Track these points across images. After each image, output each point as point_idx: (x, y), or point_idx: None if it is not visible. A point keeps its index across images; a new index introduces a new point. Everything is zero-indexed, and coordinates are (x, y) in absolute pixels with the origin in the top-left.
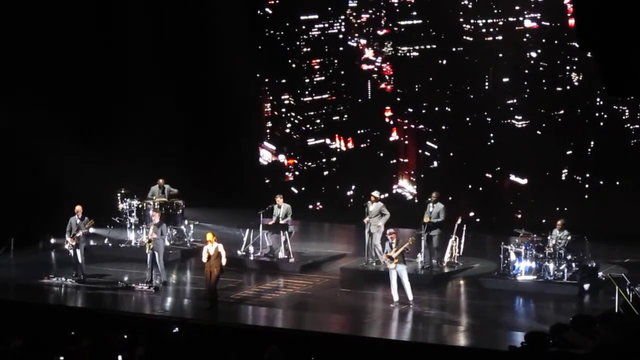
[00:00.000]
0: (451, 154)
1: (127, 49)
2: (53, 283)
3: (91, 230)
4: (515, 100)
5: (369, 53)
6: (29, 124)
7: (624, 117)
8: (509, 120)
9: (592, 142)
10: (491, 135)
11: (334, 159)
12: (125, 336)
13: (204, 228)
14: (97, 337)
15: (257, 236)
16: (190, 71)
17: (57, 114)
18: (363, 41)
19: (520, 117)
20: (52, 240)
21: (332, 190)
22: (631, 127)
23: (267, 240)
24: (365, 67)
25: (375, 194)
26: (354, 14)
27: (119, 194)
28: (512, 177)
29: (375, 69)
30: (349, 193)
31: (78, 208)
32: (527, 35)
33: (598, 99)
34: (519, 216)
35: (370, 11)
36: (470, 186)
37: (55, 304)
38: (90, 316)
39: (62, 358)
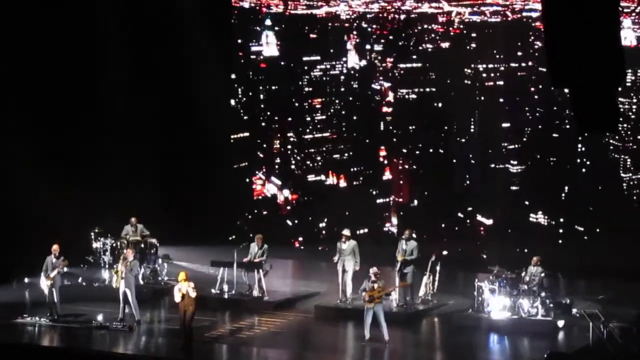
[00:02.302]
0: (426, 193)
1: (104, 81)
2: (27, 322)
3: (65, 269)
4: (514, 146)
5: (391, 96)
6: (3, 161)
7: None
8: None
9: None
10: (467, 177)
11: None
12: None
13: (177, 267)
14: None
15: (232, 274)
16: (168, 104)
17: (32, 152)
18: (387, 84)
19: (515, 162)
20: (26, 280)
21: (314, 225)
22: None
23: (244, 279)
24: (385, 109)
25: (346, 232)
26: (379, 57)
27: (92, 233)
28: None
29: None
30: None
31: (55, 247)
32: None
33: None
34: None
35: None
36: (443, 225)
37: (29, 342)
38: (65, 356)
39: None
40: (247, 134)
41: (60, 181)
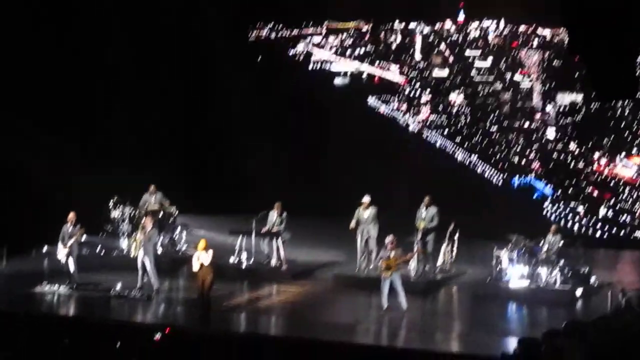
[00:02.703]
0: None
1: (119, 57)
2: (46, 291)
3: (83, 238)
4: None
5: None
6: (21, 133)
7: None
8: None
9: None
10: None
11: None
12: (118, 344)
13: (196, 236)
14: (89, 345)
15: (251, 243)
16: (185, 76)
17: (48, 122)
18: None
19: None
20: (45, 249)
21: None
22: None
23: (263, 247)
24: None
25: (366, 199)
26: None
27: (111, 202)
28: None
29: None
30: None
31: (70, 216)
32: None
33: None
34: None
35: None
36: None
37: (48, 312)
38: (83, 324)
39: None
40: None
41: (78, 150)
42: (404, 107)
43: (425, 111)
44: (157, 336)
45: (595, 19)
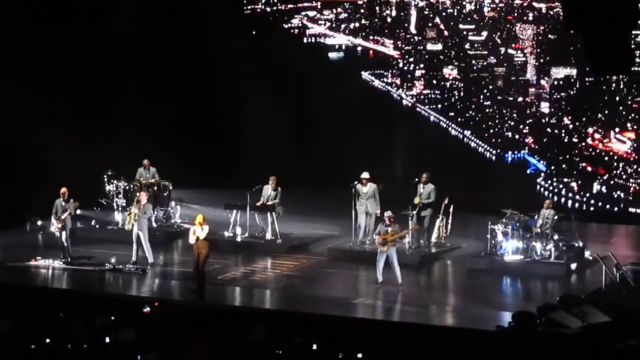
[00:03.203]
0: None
1: (116, 33)
2: (40, 265)
3: (78, 212)
4: None
5: None
6: (13, 106)
7: None
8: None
9: None
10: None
11: None
12: (112, 318)
13: (190, 209)
14: (84, 319)
15: (245, 217)
16: (179, 52)
17: (42, 96)
18: None
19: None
20: (39, 222)
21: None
22: None
23: (257, 221)
24: None
25: (366, 175)
26: None
27: (105, 176)
28: None
29: None
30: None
31: (63, 190)
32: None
33: None
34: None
35: None
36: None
37: (43, 286)
38: (78, 298)
39: (48, 340)
40: None
41: (72, 125)
42: (398, 81)
43: (419, 86)
44: (147, 309)
45: None
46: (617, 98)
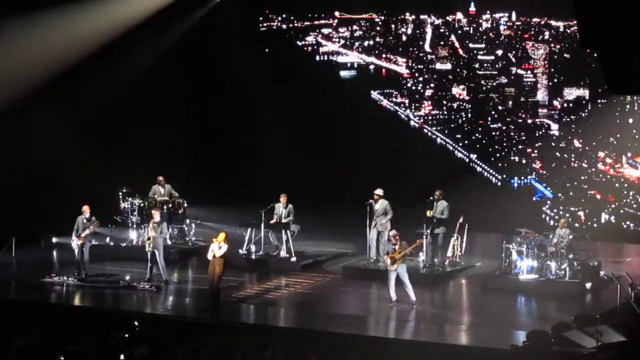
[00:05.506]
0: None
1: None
2: (55, 282)
3: (96, 229)
4: None
5: None
6: (30, 122)
7: None
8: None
9: None
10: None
11: None
12: (127, 335)
13: (205, 227)
14: (99, 336)
15: (259, 235)
16: (192, 68)
17: (59, 113)
18: None
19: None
20: (54, 240)
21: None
22: None
23: (272, 240)
24: None
25: (379, 192)
26: None
27: (120, 193)
28: None
29: None
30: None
31: (85, 207)
32: None
33: None
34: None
35: None
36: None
37: (57, 302)
38: (92, 315)
39: (62, 358)
40: None
41: (92, 148)
42: (406, 101)
43: (427, 106)
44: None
45: (608, 11)
46: (630, 120)
